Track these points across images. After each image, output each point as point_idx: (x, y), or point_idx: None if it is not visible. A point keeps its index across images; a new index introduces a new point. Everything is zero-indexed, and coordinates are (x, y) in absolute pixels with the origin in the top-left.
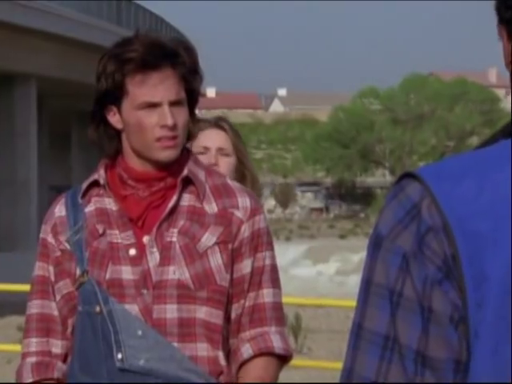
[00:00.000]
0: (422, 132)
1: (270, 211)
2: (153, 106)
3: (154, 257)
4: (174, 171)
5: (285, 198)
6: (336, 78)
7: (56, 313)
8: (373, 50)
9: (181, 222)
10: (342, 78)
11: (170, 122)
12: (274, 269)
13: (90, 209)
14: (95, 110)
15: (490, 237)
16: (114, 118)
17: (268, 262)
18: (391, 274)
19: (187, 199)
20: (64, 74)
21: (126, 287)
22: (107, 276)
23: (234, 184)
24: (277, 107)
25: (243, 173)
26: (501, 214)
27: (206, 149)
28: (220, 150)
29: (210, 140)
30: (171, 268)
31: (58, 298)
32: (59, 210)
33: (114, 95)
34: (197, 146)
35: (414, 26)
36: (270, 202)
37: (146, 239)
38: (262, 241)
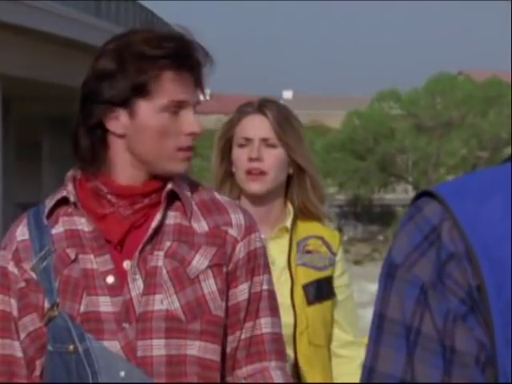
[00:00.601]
0: (451, 141)
1: None
2: (178, 108)
3: (136, 284)
4: (160, 186)
5: None
6: (350, 79)
7: (20, 354)
8: (392, 46)
9: (167, 244)
10: (357, 79)
11: (198, 129)
12: (271, 295)
13: (58, 230)
14: (96, 110)
15: None
16: (116, 122)
17: (265, 287)
18: (407, 308)
19: (173, 217)
20: (34, 73)
21: (104, 321)
22: (82, 309)
23: (223, 199)
24: None
25: (298, 165)
26: None
27: (248, 140)
28: (264, 141)
29: (252, 129)
30: (158, 297)
31: (22, 336)
32: (21, 232)
33: (131, 95)
34: (238, 136)
35: (440, 18)
36: None
37: (126, 264)
38: (258, 263)
